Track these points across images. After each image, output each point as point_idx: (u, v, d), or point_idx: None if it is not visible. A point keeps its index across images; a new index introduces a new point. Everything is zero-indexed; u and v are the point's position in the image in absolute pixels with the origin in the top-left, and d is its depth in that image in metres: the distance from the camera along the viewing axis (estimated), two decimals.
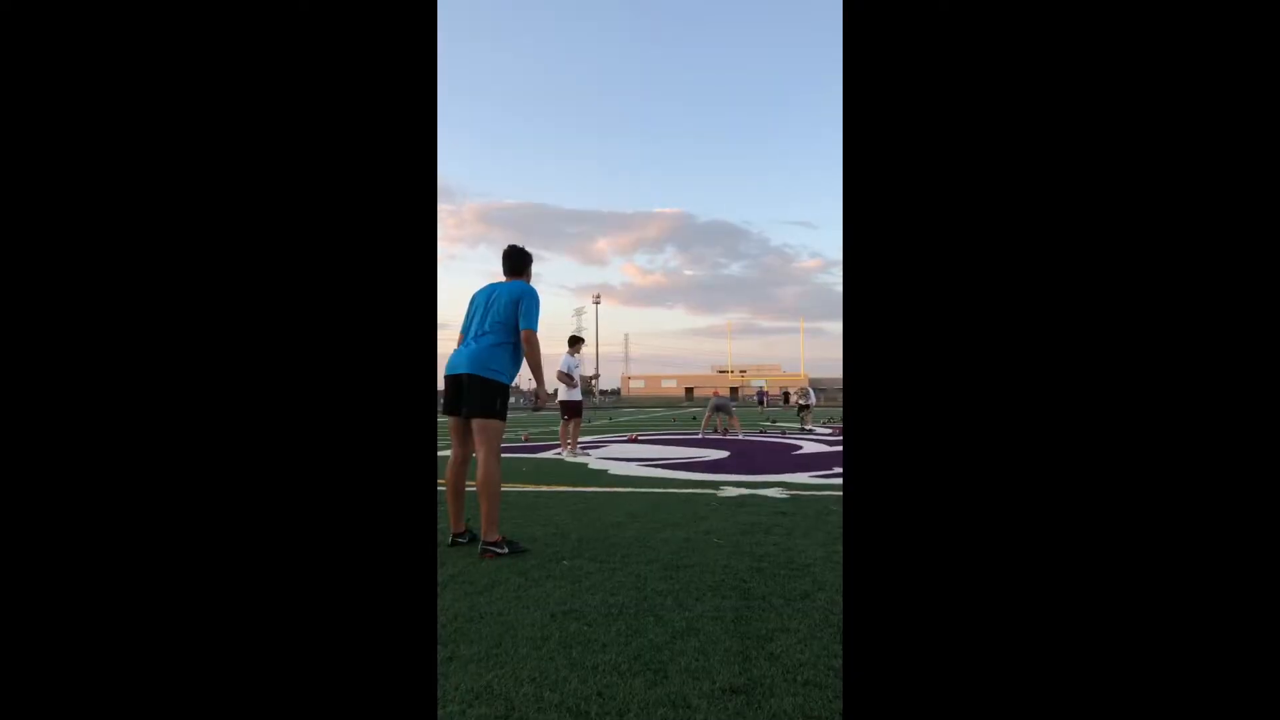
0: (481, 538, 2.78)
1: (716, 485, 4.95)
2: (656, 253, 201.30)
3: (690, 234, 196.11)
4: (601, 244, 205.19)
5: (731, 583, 2.33)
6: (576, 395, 7.97)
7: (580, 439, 9.15)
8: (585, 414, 12.65)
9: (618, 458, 7.44)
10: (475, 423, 2.87)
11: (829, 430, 12.92)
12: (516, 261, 3.17)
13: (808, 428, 13.41)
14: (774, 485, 4.93)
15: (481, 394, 2.87)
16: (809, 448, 8.87)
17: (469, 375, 2.89)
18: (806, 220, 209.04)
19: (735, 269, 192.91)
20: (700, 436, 10.82)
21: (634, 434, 11.68)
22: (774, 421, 16.86)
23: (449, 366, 3.03)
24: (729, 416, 10.97)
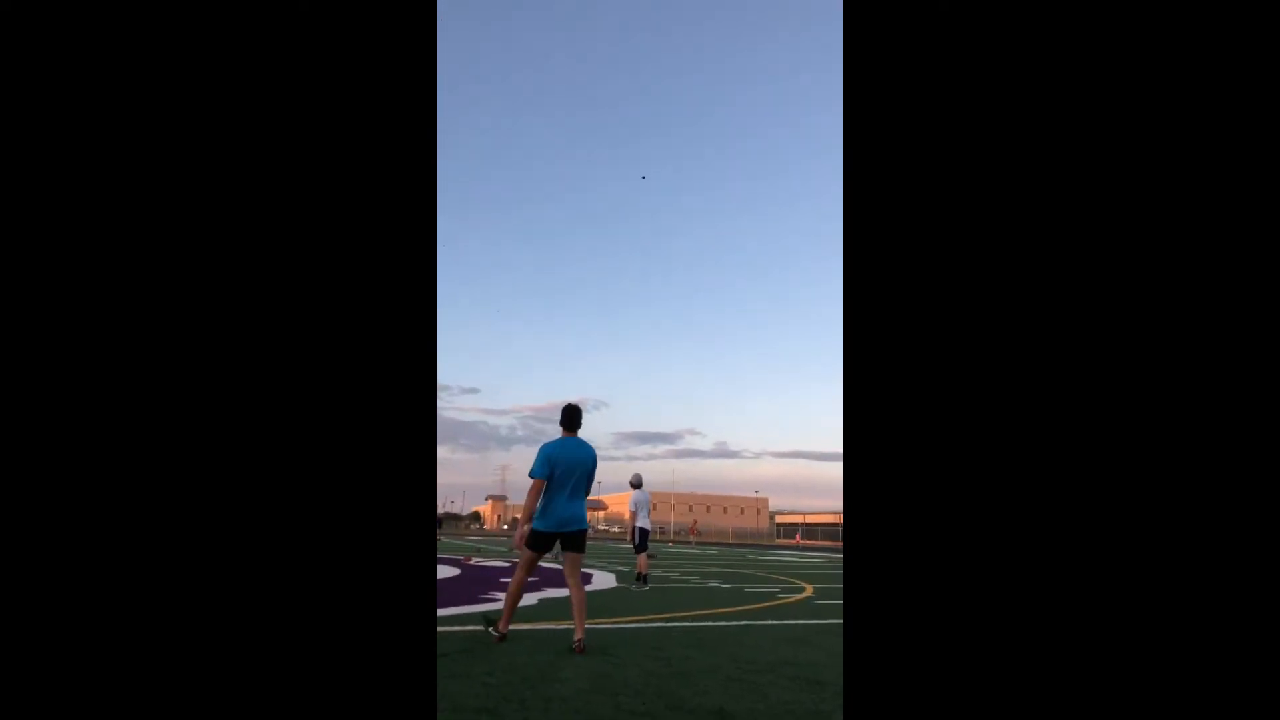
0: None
1: None
2: None
3: None
4: None
5: None
6: None
7: None
8: None
9: None
10: (578, 556, 3.74)
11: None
12: (579, 418, 3.85)
13: None
14: None
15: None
16: None
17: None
18: (472, 387, 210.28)
19: None
20: None
21: None
22: None
23: (575, 522, 3.67)
24: None
